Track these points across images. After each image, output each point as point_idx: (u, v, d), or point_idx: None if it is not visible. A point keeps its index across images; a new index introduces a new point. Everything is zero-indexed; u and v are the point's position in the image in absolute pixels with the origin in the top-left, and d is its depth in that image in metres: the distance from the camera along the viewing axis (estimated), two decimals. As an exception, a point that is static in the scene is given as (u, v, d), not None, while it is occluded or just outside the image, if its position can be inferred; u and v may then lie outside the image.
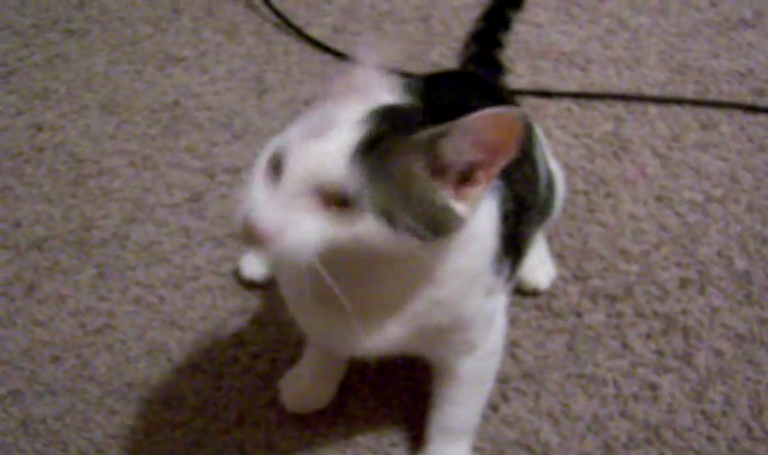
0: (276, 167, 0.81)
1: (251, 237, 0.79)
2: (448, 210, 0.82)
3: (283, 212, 0.79)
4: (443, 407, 1.09)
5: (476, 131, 0.79)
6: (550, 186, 1.19)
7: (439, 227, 0.82)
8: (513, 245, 1.00)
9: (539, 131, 1.25)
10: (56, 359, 1.26)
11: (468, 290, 0.94)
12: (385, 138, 0.80)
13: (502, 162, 0.81)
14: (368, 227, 0.79)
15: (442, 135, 0.81)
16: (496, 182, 0.90)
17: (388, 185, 0.80)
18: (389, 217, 0.79)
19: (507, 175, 0.94)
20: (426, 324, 0.93)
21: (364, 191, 0.79)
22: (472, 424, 1.12)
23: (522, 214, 1.03)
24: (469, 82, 1.19)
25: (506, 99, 1.19)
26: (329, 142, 0.80)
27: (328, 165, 0.79)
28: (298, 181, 0.79)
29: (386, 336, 0.93)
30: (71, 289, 1.34)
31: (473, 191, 0.83)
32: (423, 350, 1.01)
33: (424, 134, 0.82)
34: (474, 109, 0.80)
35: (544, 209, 1.18)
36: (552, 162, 1.23)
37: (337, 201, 0.79)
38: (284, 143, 0.82)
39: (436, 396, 1.09)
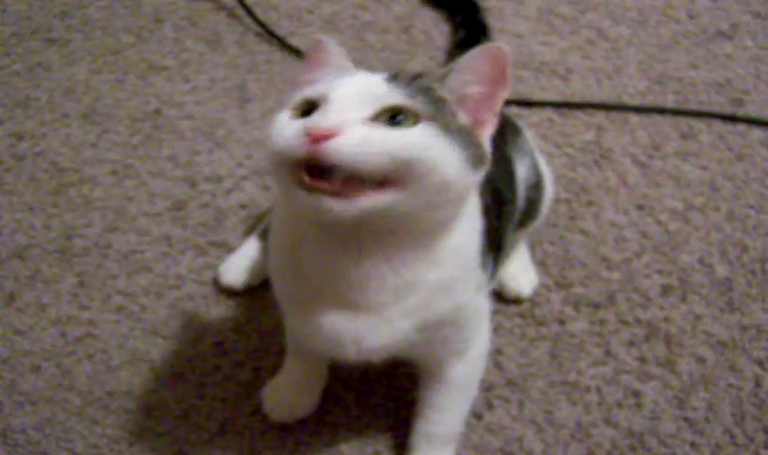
0: (308, 110, 0.83)
1: (311, 141, 0.78)
2: (475, 137, 0.86)
3: (342, 118, 0.80)
4: (428, 413, 1.09)
5: (472, 63, 0.86)
6: (538, 186, 1.20)
7: (473, 154, 0.85)
8: (494, 241, 1.01)
9: (528, 133, 1.26)
10: (36, 369, 1.25)
11: (463, 275, 0.94)
12: (408, 76, 0.87)
13: (500, 96, 0.87)
14: (425, 132, 0.81)
15: (448, 71, 0.87)
16: None
17: (429, 101, 0.84)
18: (441, 125, 0.83)
19: None
20: (428, 317, 0.93)
21: (413, 104, 0.83)
22: (456, 431, 1.12)
23: (501, 209, 1.05)
24: None
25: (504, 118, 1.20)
26: (367, 76, 0.86)
27: (375, 85, 0.84)
28: (347, 100, 0.82)
29: (391, 332, 0.92)
30: (52, 298, 1.33)
31: (483, 132, 0.88)
32: (420, 350, 1.01)
33: (437, 71, 0.88)
34: None
35: (531, 210, 1.19)
36: (542, 164, 1.24)
37: (387, 119, 0.81)
38: (313, 92, 0.85)
39: (422, 403, 1.09)
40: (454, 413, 1.10)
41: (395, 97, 0.83)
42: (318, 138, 0.78)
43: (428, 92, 0.85)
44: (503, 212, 1.06)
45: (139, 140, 1.55)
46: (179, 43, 1.74)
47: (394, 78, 0.86)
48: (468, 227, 0.94)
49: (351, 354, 0.94)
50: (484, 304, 1.04)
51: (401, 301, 0.91)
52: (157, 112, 1.60)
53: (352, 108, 0.81)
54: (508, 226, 1.11)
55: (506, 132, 1.16)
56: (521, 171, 1.17)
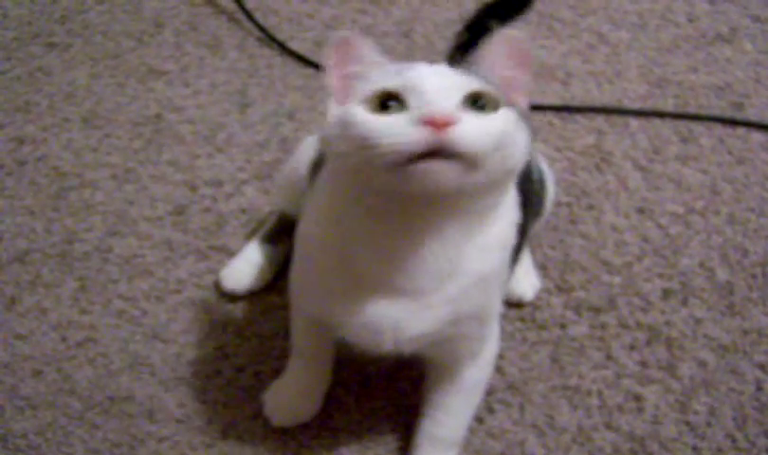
0: (384, 103, 0.83)
1: (437, 130, 0.79)
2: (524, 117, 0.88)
3: (451, 106, 0.82)
4: (436, 415, 1.09)
5: (495, 49, 0.89)
6: (541, 183, 1.20)
7: (529, 135, 0.88)
8: (520, 243, 1.02)
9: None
10: (37, 373, 1.25)
11: (502, 269, 0.96)
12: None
13: (528, 77, 0.90)
14: (508, 117, 0.84)
15: (478, 59, 0.90)
16: None
17: (496, 86, 0.87)
18: (514, 108, 0.86)
19: None
20: (465, 309, 0.94)
21: (490, 89, 0.85)
22: (461, 435, 1.12)
23: (529, 212, 1.06)
24: None
25: None
26: (436, 65, 0.88)
27: (452, 73, 0.86)
28: (440, 89, 0.82)
29: (431, 320, 0.93)
30: (53, 302, 1.33)
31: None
32: (443, 347, 1.01)
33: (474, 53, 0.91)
34: None
35: (537, 207, 1.19)
36: (543, 163, 1.25)
37: (471, 104, 0.83)
38: (391, 84, 0.84)
39: (429, 404, 1.09)
40: (461, 417, 1.10)
41: (476, 83, 0.84)
42: (441, 126, 0.78)
43: (484, 76, 0.87)
44: (529, 213, 1.08)
45: (140, 145, 1.55)
46: (180, 47, 1.74)
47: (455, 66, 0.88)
48: (509, 218, 0.95)
49: (387, 342, 0.94)
50: (498, 305, 1.04)
51: (443, 288, 0.91)
52: (158, 116, 1.60)
53: (448, 96, 0.82)
54: (529, 225, 1.12)
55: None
56: (536, 170, 1.17)
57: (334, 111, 0.87)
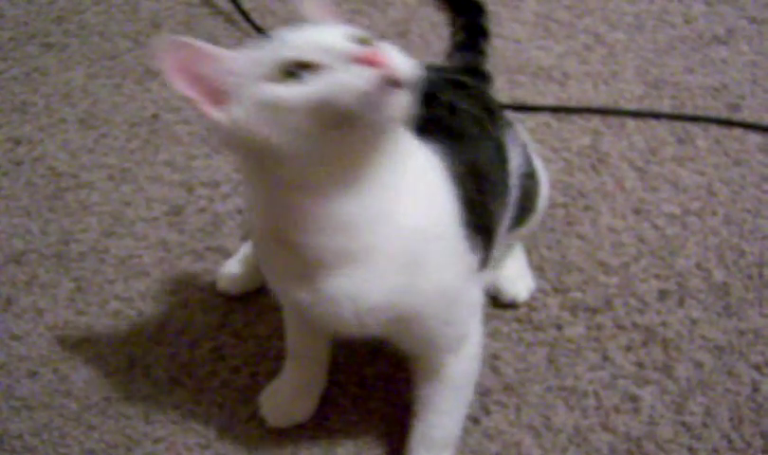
0: (289, 73, 0.85)
1: (371, 63, 0.81)
2: None
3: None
4: (426, 416, 1.09)
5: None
6: (532, 177, 1.20)
7: None
8: (480, 219, 1.01)
9: (520, 127, 1.26)
10: (33, 374, 1.25)
11: (443, 232, 0.96)
12: None
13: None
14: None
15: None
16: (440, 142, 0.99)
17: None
18: None
19: (458, 141, 1.02)
20: (416, 278, 0.94)
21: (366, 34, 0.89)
22: (454, 435, 1.12)
23: (484, 185, 1.04)
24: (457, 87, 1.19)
25: (493, 106, 1.19)
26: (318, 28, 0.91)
27: (338, 29, 0.89)
28: (341, 42, 0.85)
29: (385, 286, 0.93)
30: (49, 303, 1.33)
31: None
32: (413, 337, 1.01)
33: None
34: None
35: (527, 202, 1.19)
36: (536, 159, 1.24)
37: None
38: (284, 53, 0.86)
39: (419, 405, 1.09)
40: (451, 415, 1.10)
41: (356, 30, 0.89)
42: (378, 62, 0.81)
43: None
44: (488, 190, 1.05)
45: (137, 145, 1.55)
46: (176, 47, 1.74)
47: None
48: (424, 178, 0.95)
49: (347, 316, 0.94)
50: (475, 295, 1.04)
51: (385, 246, 0.91)
52: (155, 116, 1.60)
53: (351, 43, 0.85)
54: (498, 209, 1.09)
55: (496, 116, 1.16)
56: (514, 157, 1.16)
57: (222, 115, 0.88)
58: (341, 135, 0.84)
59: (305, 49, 0.85)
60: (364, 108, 0.82)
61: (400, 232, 0.91)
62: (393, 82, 0.81)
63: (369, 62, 0.81)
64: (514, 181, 1.15)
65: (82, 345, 1.28)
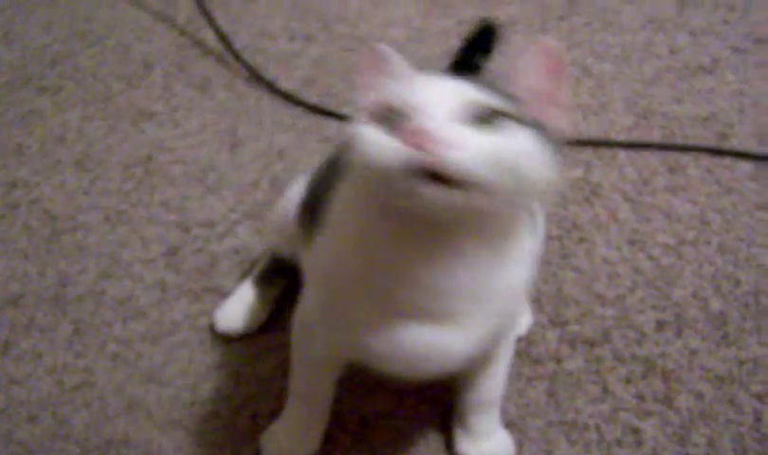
0: (389, 117, 0.78)
1: (425, 147, 0.73)
2: (553, 135, 0.83)
3: (449, 125, 0.75)
4: (476, 385, 1.11)
5: (525, 59, 0.83)
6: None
7: (555, 153, 0.82)
8: None
9: None
10: (33, 418, 1.24)
11: (528, 271, 0.94)
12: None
13: (564, 90, 0.83)
14: (523, 136, 0.78)
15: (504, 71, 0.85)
16: None
17: (511, 100, 0.80)
18: (532, 125, 0.79)
19: None
20: (503, 320, 0.93)
21: (504, 105, 0.79)
22: (501, 394, 1.15)
23: None
24: None
25: None
26: (446, 78, 0.81)
27: (461, 88, 0.79)
28: (440, 105, 0.77)
29: (475, 340, 0.90)
30: (48, 346, 1.32)
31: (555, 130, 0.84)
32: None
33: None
34: None
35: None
36: None
37: (482, 121, 0.77)
38: (394, 99, 0.79)
39: (466, 376, 1.11)
40: (499, 375, 1.12)
41: (483, 96, 0.79)
42: (430, 144, 0.73)
43: (504, 91, 0.82)
44: None
45: (132, 186, 1.55)
46: (169, 88, 1.75)
47: (466, 79, 0.82)
48: (522, 243, 0.91)
49: (433, 368, 0.91)
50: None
51: (480, 309, 0.88)
52: (149, 157, 1.60)
53: (446, 110, 0.77)
54: None
55: None
56: None
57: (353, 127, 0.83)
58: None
59: (406, 100, 0.78)
60: (380, 187, 0.77)
61: (495, 297, 0.89)
62: (430, 174, 0.73)
63: (413, 139, 0.74)
64: None
65: (81, 388, 1.28)
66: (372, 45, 0.85)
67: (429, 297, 0.86)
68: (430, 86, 0.80)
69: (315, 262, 0.99)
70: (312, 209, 1.05)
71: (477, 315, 0.88)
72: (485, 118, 0.77)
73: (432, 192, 0.74)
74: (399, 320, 0.88)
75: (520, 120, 0.79)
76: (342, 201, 0.93)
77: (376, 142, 0.77)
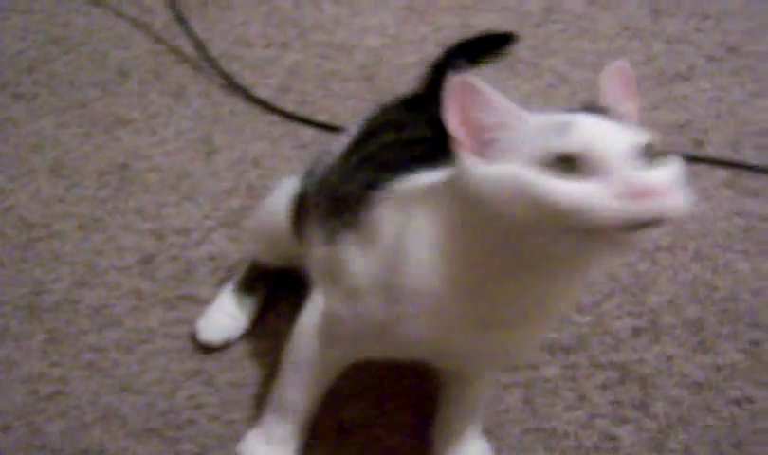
0: (565, 164, 0.77)
1: (646, 197, 0.74)
2: None
3: (658, 173, 0.77)
4: (467, 393, 1.13)
5: (612, 84, 0.87)
6: None
7: None
8: None
9: None
10: (6, 427, 1.23)
11: None
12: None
13: (636, 109, 0.87)
14: (675, 162, 0.80)
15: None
16: None
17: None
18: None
19: None
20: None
21: (655, 140, 0.80)
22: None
23: None
24: None
25: None
26: (601, 117, 0.80)
27: (621, 128, 0.79)
28: (622, 151, 0.76)
29: (527, 345, 0.99)
30: (22, 355, 1.31)
31: None
32: None
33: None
34: None
35: None
36: None
37: (652, 157, 0.78)
38: (566, 147, 0.78)
39: (456, 387, 1.13)
40: (488, 384, 1.15)
41: (643, 136, 0.79)
42: (648, 196, 0.74)
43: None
44: None
45: (107, 194, 1.54)
46: (145, 95, 1.74)
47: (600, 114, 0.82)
48: None
49: (497, 365, 1.04)
50: None
51: (550, 316, 0.94)
52: (124, 165, 1.59)
53: (635, 159, 0.77)
54: None
55: None
56: None
57: (478, 167, 0.82)
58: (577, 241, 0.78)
59: (592, 148, 0.77)
60: (610, 236, 0.76)
61: (564, 306, 0.95)
62: (656, 221, 0.75)
63: (641, 196, 0.74)
64: None
65: (56, 397, 1.26)
66: (462, 77, 0.83)
67: (517, 312, 0.90)
68: (603, 131, 0.78)
69: (363, 270, 0.96)
70: (332, 205, 1.04)
71: (547, 321, 0.95)
72: (650, 154, 0.78)
73: (643, 236, 0.77)
74: (480, 327, 0.91)
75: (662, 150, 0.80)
76: (429, 223, 0.91)
77: (578, 195, 0.76)
